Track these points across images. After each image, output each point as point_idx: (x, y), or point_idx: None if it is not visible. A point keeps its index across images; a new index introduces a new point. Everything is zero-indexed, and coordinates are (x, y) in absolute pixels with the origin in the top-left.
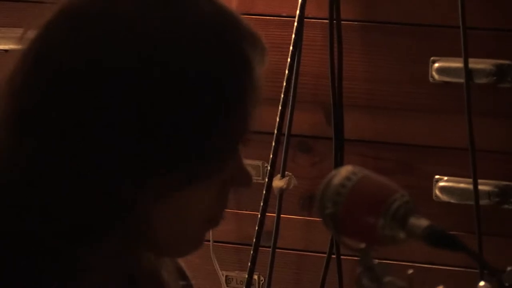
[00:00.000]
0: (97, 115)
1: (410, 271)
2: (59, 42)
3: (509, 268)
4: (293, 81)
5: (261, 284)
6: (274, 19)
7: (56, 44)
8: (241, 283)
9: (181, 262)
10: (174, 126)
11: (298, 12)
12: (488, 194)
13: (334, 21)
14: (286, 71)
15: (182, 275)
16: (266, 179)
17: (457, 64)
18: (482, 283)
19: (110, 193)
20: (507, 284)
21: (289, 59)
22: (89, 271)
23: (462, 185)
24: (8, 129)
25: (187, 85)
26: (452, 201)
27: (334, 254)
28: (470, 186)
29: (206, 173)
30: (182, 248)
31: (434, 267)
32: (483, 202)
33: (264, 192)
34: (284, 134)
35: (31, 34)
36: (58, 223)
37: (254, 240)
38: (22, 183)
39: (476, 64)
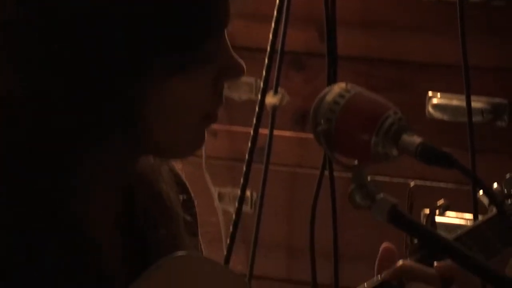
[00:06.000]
0: (87, 8)
1: (411, 184)
2: None
3: (508, 176)
4: None
5: (253, 200)
6: None
7: None
8: (234, 199)
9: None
10: (161, 13)
11: None
12: (481, 111)
13: None
14: None
15: (182, 188)
16: (259, 96)
17: None
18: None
19: (106, 88)
20: (506, 191)
21: None
22: (89, 176)
23: (455, 102)
24: None
25: None
26: (445, 118)
27: (327, 170)
28: (463, 103)
29: (197, 59)
30: (182, 146)
31: (427, 184)
32: (476, 119)
33: (257, 108)
34: (277, 51)
35: None
36: (57, 127)
37: (247, 156)
38: (18, 91)
39: None
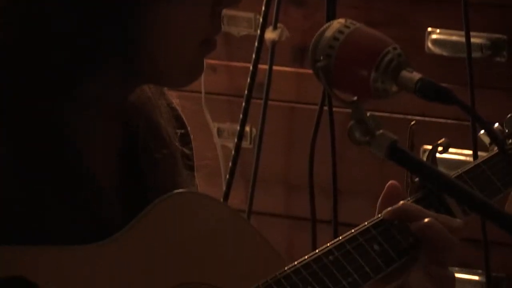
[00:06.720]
0: None
1: (412, 123)
2: None
3: (509, 115)
4: None
5: (252, 136)
6: None
7: None
8: (233, 134)
9: None
10: None
11: None
12: (480, 46)
13: None
14: None
15: (180, 123)
16: (258, 31)
17: None
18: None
19: (104, 13)
20: (507, 131)
21: None
22: (88, 105)
23: (454, 38)
24: None
25: None
26: (444, 53)
27: (326, 106)
28: (463, 39)
29: None
30: (181, 73)
31: (426, 120)
32: (475, 54)
33: (256, 44)
34: None
35: None
36: (56, 54)
37: (246, 92)
38: (16, 20)
39: None
